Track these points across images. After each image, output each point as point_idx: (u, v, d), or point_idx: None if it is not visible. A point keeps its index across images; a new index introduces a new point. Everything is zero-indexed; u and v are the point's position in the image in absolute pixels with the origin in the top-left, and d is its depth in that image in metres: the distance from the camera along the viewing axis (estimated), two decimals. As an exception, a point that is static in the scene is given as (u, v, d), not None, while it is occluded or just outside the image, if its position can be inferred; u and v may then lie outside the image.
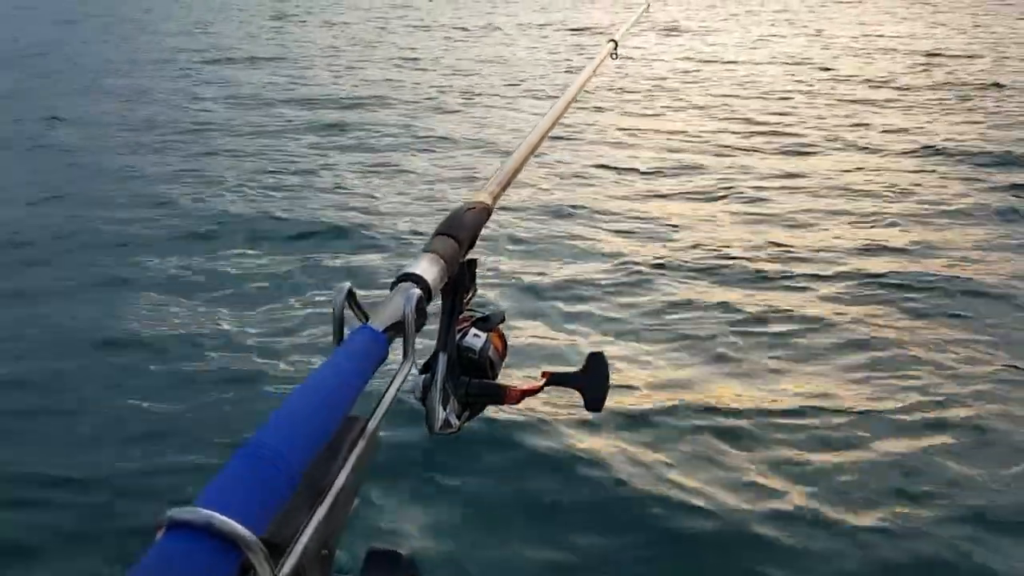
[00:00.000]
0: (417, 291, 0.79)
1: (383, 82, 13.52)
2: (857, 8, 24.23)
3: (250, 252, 6.26)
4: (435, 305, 0.89)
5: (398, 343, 0.76)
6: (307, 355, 4.61)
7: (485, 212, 1.07)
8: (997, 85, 12.05)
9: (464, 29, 20.92)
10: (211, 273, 5.87)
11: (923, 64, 14.17)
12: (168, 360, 4.63)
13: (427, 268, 0.87)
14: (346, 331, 0.74)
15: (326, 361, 0.68)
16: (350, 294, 0.76)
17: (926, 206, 7.22)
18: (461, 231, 0.97)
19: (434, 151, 9.39)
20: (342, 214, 7.13)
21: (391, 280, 0.84)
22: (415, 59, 15.87)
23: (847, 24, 20.85)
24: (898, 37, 18.47)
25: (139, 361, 4.63)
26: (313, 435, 0.59)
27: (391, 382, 0.72)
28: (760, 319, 5.02)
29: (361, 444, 0.68)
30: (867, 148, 9.11)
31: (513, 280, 5.63)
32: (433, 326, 0.91)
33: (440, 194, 7.65)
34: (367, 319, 0.77)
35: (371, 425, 0.69)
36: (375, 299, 0.83)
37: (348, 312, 0.76)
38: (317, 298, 5.37)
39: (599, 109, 11.20)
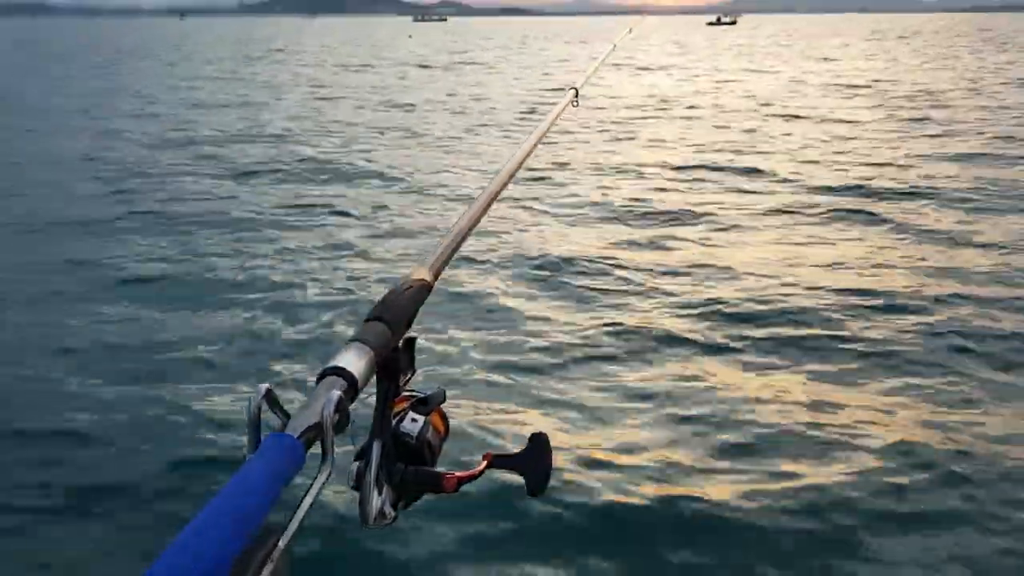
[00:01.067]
0: (337, 393, 0.74)
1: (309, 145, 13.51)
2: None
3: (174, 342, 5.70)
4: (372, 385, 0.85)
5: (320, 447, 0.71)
6: (219, 468, 4.15)
7: (425, 290, 1.02)
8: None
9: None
10: (118, 372, 5.29)
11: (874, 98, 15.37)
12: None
13: (353, 360, 0.82)
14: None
15: (236, 473, 0.64)
16: (268, 395, 0.72)
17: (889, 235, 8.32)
18: (395, 313, 0.92)
19: (373, 222, 9.05)
20: (271, 295, 6.65)
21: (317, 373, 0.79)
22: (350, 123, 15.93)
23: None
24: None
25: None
26: (219, 558, 0.57)
27: (306, 493, 0.68)
28: (712, 391, 4.90)
29: (271, 565, 0.63)
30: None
31: (454, 355, 5.42)
32: (369, 409, 0.87)
33: (379, 270, 7.29)
34: (287, 421, 0.72)
35: (282, 542, 0.64)
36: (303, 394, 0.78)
37: (270, 414, 0.72)
38: (235, 399, 4.82)
39: (552, 166, 11.53)
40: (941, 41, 62.15)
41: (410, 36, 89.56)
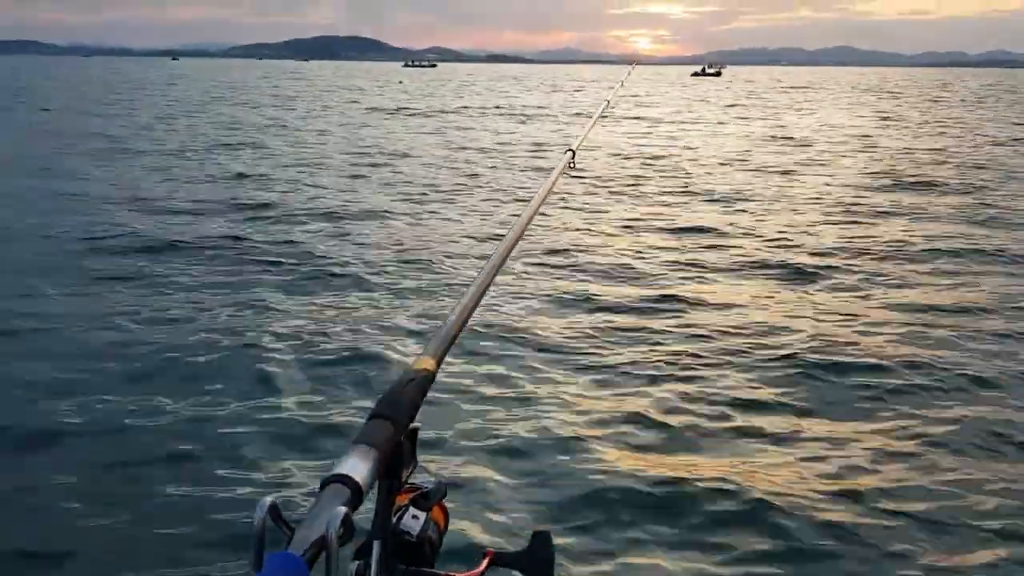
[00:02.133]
0: (342, 510, 0.73)
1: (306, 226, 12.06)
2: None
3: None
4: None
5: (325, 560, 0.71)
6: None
7: (428, 379, 1.02)
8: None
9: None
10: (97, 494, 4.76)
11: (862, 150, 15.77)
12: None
13: (357, 465, 0.81)
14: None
15: None
16: (272, 508, 0.72)
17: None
18: (399, 410, 0.91)
19: (377, 306, 8.24)
20: (272, 397, 5.99)
21: (321, 477, 0.80)
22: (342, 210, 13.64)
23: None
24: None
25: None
26: None
27: None
28: (709, 491, 4.79)
29: None
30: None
31: (457, 446, 5.26)
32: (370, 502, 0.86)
33: (382, 360, 6.66)
34: (292, 536, 0.72)
35: None
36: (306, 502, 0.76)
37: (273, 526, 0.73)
38: (238, 515, 4.40)
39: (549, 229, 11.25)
40: (910, 94, 63.77)
41: (400, 82, 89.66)
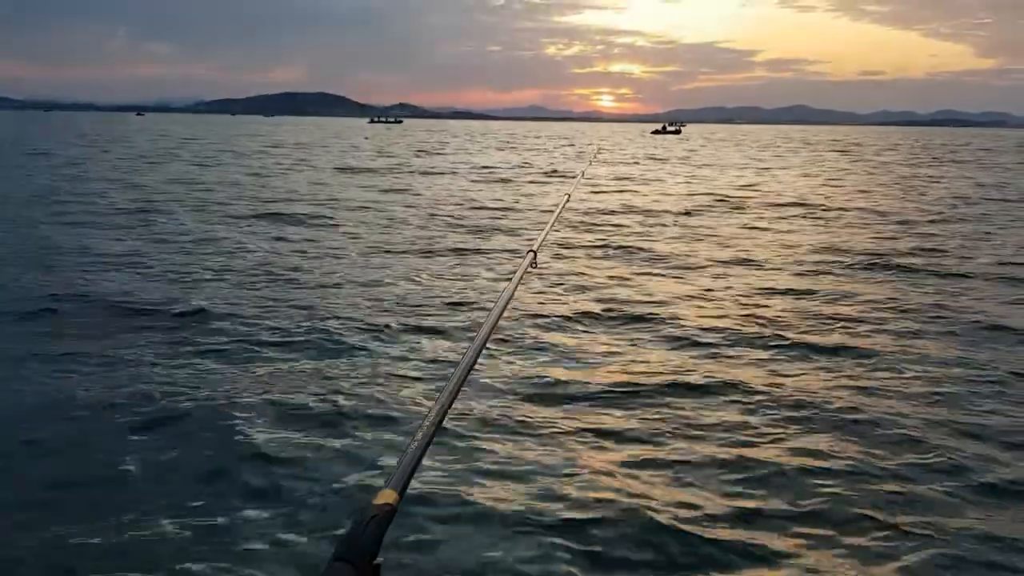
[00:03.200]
0: None
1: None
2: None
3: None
4: None
5: None
6: None
7: (390, 514, 1.02)
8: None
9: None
10: None
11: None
12: None
13: None
14: None
15: None
16: None
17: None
18: (361, 551, 0.93)
19: (332, 436, 6.32)
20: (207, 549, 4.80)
21: None
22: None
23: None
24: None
25: None
26: None
27: None
28: None
29: None
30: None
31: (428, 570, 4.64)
32: None
33: (338, 496, 5.39)
34: None
35: None
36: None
37: None
38: None
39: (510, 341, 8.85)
40: (855, 152, 65.88)
41: (366, 138, 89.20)
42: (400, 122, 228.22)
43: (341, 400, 6.92)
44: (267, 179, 29.87)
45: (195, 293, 10.81)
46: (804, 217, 20.49)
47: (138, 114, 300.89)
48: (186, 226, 17.08)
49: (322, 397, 6.99)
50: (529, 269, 2.53)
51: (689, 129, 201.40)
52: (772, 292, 11.42)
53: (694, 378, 7.60)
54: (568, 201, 4.34)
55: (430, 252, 14.45)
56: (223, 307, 9.99)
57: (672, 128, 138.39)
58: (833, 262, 13.70)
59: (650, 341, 8.98)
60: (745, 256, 14.34)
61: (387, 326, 9.26)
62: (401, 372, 7.75)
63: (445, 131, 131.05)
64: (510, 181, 30.71)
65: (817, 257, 14.23)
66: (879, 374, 7.80)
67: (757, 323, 9.66)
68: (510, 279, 2.26)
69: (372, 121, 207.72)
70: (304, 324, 9.29)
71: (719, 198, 24.85)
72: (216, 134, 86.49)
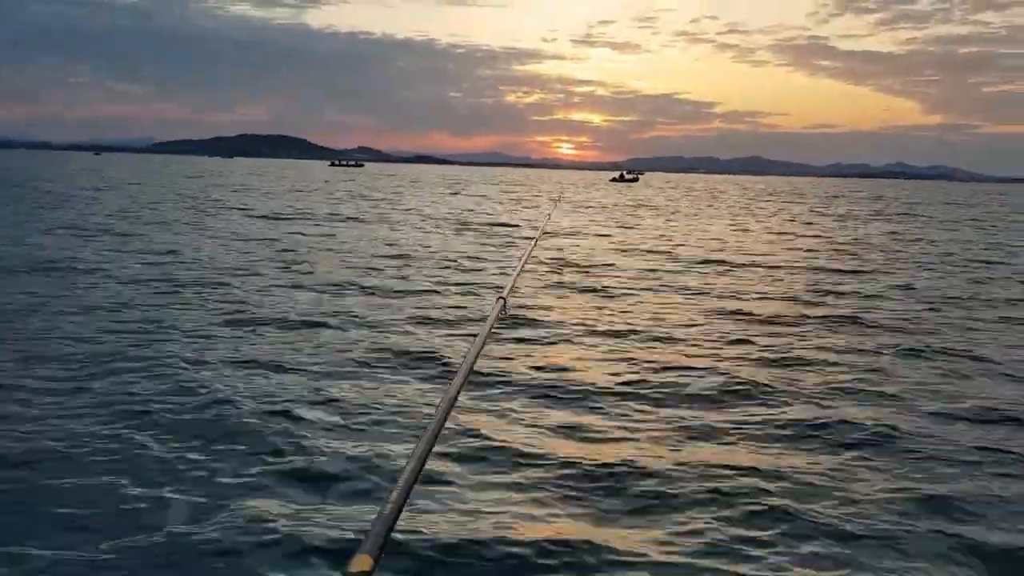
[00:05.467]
0: None
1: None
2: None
3: None
4: None
5: None
6: None
7: None
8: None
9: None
10: None
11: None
12: None
13: None
14: None
15: None
16: None
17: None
18: None
19: (301, 494, 5.90)
20: None
21: None
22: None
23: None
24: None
25: None
26: None
27: None
28: None
29: None
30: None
31: None
32: None
33: (308, 565, 4.96)
34: None
35: None
36: None
37: None
38: None
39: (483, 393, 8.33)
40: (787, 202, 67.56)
41: (326, 181, 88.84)
42: (361, 166, 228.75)
43: (309, 456, 6.47)
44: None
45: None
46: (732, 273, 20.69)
47: (96, 153, 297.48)
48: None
49: (288, 452, 6.57)
50: (500, 317, 2.43)
51: (647, 177, 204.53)
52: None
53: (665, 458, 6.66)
54: (535, 247, 4.40)
55: (401, 292, 14.21)
56: (190, 354, 9.49)
57: (630, 176, 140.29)
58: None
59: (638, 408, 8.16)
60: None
61: (351, 378, 8.85)
62: (371, 427, 7.24)
63: (416, 177, 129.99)
64: (473, 229, 30.34)
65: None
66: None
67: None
68: (482, 326, 2.18)
69: (333, 164, 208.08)
70: (259, 375, 8.84)
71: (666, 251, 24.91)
72: (159, 176, 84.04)
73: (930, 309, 14.08)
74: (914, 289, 16.54)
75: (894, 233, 33.26)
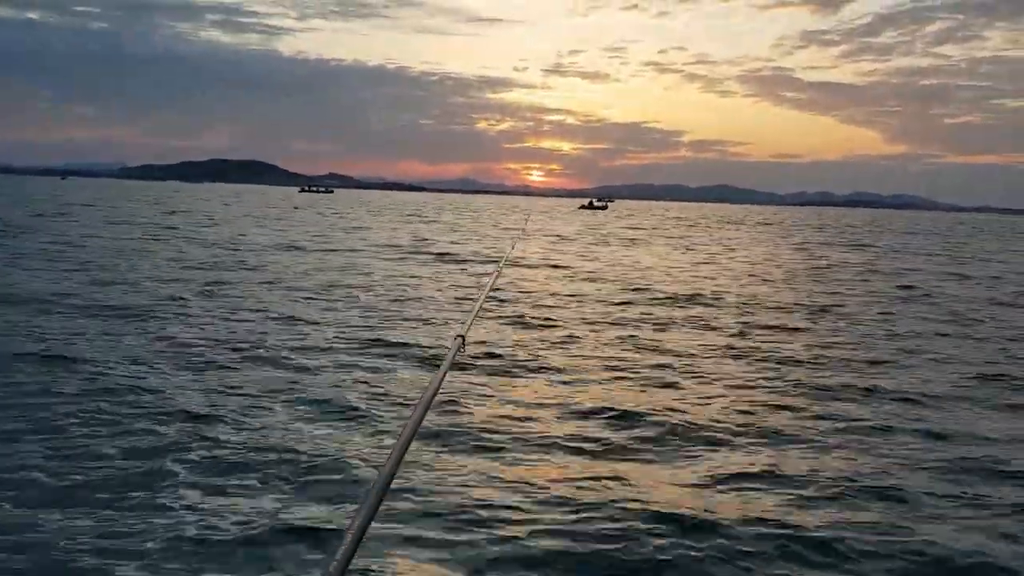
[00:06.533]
0: None
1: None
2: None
3: None
4: None
5: None
6: None
7: None
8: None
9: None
10: None
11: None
12: None
13: None
14: None
15: None
16: None
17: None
18: None
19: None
20: None
21: None
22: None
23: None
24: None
25: None
26: None
27: None
28: None
29: None
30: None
31: None
32: None
33: None
34: None
35: None
36: None
37: None
38: None
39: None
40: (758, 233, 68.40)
41: (296, 207, 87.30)
42: (331, 191, 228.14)
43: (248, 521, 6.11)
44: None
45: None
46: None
47: (62, 178, 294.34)
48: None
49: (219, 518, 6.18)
50: (458, 357, 2.33)
51: (616, 204, 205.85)
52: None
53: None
54: (496, 280, 4.22)
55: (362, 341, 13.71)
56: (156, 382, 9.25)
57: (599, 204, 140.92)
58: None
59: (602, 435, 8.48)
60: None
61: (298, 425, 8.44)
62: (314, 481, 6.98)
63: (388, 202, 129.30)
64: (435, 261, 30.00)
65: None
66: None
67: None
68: (438, 366, 2.09)
69: (303, 190, 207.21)
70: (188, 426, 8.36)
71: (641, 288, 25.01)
72: (120, 200, 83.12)
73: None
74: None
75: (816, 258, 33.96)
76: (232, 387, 9.94)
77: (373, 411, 9.08)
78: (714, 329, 16.13)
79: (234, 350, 12.02)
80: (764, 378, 11.70)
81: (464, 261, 29.72)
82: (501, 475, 7.29)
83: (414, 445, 1.55)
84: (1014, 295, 24.51)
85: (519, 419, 9.09)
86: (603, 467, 7.71)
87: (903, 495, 7.24)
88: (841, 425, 9.39)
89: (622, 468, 7.70)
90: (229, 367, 11.00)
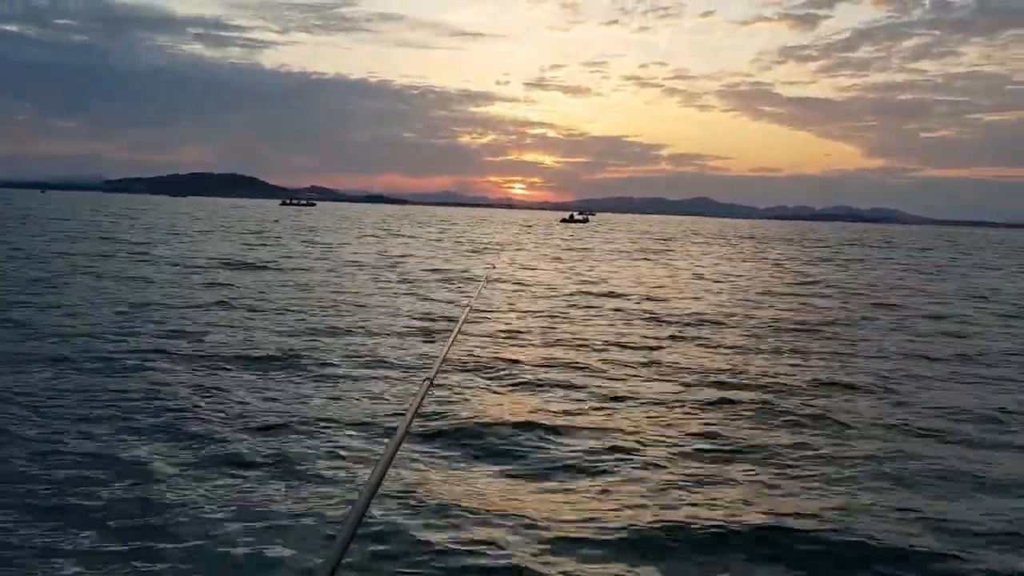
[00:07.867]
0: None
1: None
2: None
3: None
4: None
5: None
6: None
7: None
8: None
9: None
10: None
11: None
12: None
13: None
14: None
15: None
16: None
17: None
18: None
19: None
20: None
21: None
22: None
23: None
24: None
25: None
26: None
27: None
28: None
29: None
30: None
31: None
32: None
33: None
34: None
35: None
36: None
37: None
38: None
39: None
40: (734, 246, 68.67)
41: (276, 221, 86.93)
42: (313, 204, 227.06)
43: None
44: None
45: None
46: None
47: (41, 191, 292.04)
48: None
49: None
50: (424, 403, 2.26)
51: (597, 217, 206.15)
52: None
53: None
54: (468, 314, 3.93)
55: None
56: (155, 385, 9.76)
57: (580, 217, 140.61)
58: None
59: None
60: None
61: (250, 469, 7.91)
62: (307, 482, 7.25)
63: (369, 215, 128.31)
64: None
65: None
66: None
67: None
68: (403, 415, 2.00)
69: (284, 203, 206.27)
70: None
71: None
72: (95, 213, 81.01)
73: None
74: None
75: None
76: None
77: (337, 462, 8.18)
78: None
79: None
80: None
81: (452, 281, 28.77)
82: (485, 485, 7.54)
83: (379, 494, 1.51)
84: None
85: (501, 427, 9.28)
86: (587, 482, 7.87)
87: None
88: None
89: (600, 483, 7.90)
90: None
